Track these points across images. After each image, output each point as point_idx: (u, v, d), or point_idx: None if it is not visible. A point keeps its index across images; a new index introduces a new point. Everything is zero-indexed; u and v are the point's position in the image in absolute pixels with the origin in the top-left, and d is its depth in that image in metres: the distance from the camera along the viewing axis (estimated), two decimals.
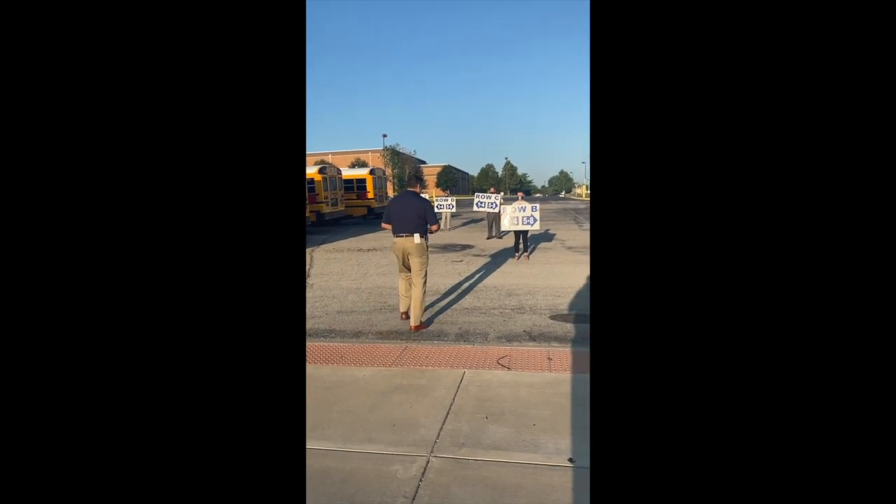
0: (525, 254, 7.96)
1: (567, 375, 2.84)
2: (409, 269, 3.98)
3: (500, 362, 3.09)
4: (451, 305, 4.81)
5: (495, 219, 10.82)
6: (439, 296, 5.28)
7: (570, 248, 9.17)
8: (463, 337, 3.78)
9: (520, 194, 8.66)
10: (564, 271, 6.59)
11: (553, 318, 4.24)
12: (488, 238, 11.11)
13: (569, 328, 3.91)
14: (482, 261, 7.76)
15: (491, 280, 6.10)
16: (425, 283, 3.97)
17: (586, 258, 7.76)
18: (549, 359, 3.13)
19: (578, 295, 5.11)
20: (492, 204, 11.23)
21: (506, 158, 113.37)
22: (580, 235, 11.38)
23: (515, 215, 7.75)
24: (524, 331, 3.88)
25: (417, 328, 3.90)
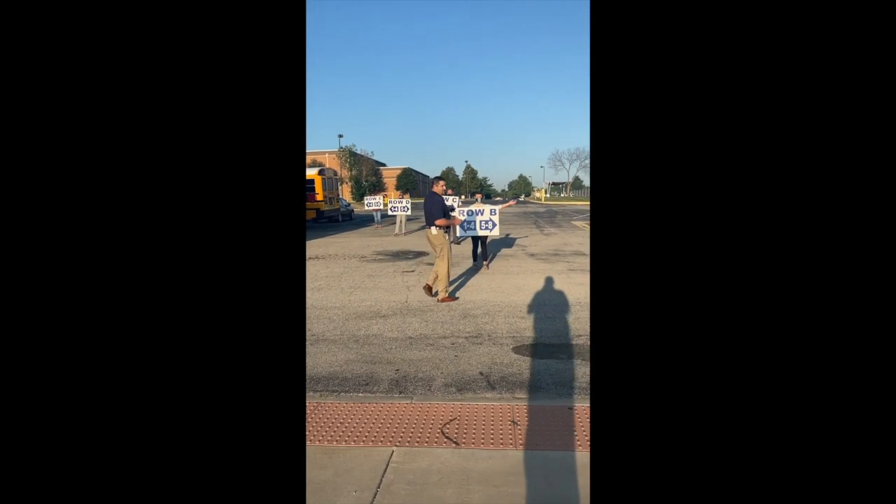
0: (484, 263, 7.13)
1: (539, 455, 1.95)
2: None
3: (446, 431, 2.18)
4: (392, 334, 3.86)
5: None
6: (379, 318, 4.31)
7: (532, 255, 8.45)
8: (399, 385, 2.83)
9: (478, 196, 7.80)
10: (528, 283, 5.79)
11: (517, 350, 3.38)
12: None
13: (538, 367, 3.06)
14: None
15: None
16: (448, 264, 4.94)
17: (550, 267, 7.02)
18: (513, 422, 2.25)
19: (545, 315, 4.29)
20: (449, 207, 10.38)
21: (466, 161, 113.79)
22: (542, 241, 10.72)
23: (472, 220, 6.90)
24: (480, 373, 2.98)
25: (444, 300, 4.80)
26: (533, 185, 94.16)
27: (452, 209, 5.82)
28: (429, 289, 4.95)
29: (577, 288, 5.46)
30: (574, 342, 3.51)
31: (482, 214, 6.88)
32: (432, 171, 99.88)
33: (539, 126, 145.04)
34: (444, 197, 10.52)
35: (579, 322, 4.04)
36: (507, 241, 10.54)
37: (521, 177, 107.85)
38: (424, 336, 3.76)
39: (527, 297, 5.03)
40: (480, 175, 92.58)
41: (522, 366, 3.07)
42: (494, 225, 6.86)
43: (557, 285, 5.65)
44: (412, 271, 6.88)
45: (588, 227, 14.48)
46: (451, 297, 4.95)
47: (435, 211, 4.85)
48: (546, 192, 63.48)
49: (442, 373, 2.99)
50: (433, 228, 4.86)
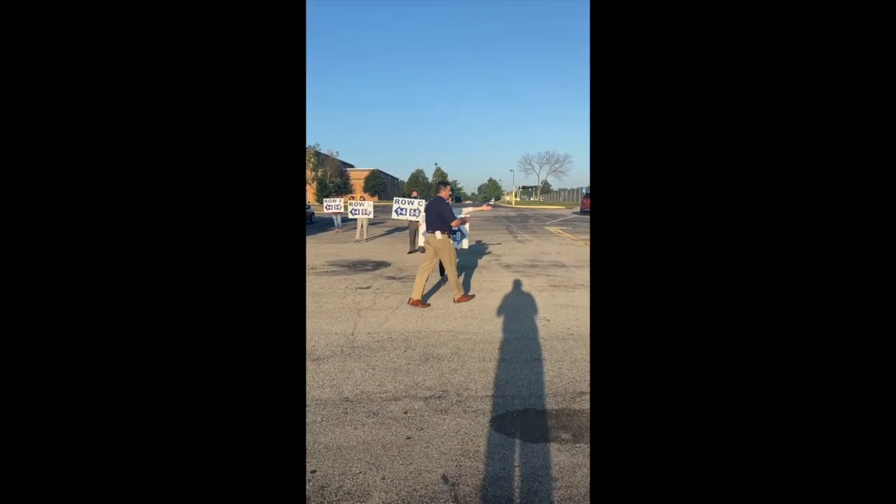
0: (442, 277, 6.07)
1: None
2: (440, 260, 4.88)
3: None
4: (322, 392, 2.73)
5: (418, 229, 8.90)
6: (311, 361, 3.17)
7: (507, 266, 7.47)
8: None
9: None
10: (505, 305, 4.78)
11: (499, 423, 2.33)
12: (410, 252, 9.14)
13: (534, 464, 2.02)
14: (395, 287, 5.75)
15: (401, 324, 4.09)
16: (455, 270, 4.93)
17: (529, 282, 6.05)
18: None
19: (531, 356, 3.27)
20: (414, 211, 9.28)
21: (435, 164, 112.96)
22: (517, 249, 9.79)
23: None
24: (444, 477, 1.91)
25: (460, 300, 4.83)
26: (503, 188, 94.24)
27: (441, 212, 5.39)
28: (461, 299, 4.89)
29: (563, 312, 4.49)
30: (577, 406, 2.49)
31: None
32: (401, 173, 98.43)
33: (509, 129, 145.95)
34: (409, 199, 9.58)
35: (577, 367, 3.04)
36: (478, 250, 9.54)
37: (491, 180, 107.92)
38: (367, 396, 2.66)
39: (505, 326, 4.01)
40: (450, 178, 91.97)
41: (508, 459, 2.02)
42: (464, 236, 5.84)
43: (541, 308, 4.66)
44: (367, 288, 5.75)
45: (563, 232, 13.72)
46: (467, 296, 4.97)
47: (445, 215, 4.83)
48: (516, 196, 63.35)
49: (384, 479, 1.89)
50: (437, 233, 4.82)
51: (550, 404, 2.52)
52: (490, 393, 2.67)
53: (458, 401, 2.58)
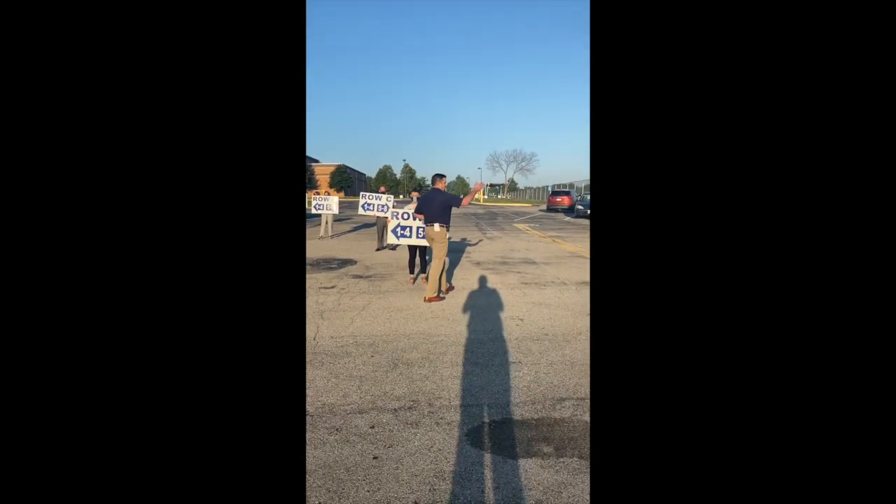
0: (423, 275, 5.86)
1: None
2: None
3: None
4: None
5: (386, 225, 8.61)
6: None
7: (477, 264, 7.32)
8: None
9: (414, 194, 6.40)
10: (476, 304, 4.60)
11: (474, 437, 2.13)
12: (378, 249, 8.85)
13: (516, 484, 1.83)
14: (362, 286, 5.47)
15: (368, 326, 3.84)
16: (445, 265, 4.85)
17: (500, 280, 5.91)
18: None
19: (506, 358, 3.10)
20: (382, 207, 8.98)
21: (404, 160, 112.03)
22: (486, 247, 9.67)
23: (407, 224, 5.60)
24: (414, 503, 1.70)
25: (430, 300, 4.65)
26: (471, 186, 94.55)
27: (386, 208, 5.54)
28: (435, 298, 4.75)
29: (536, 311, 4.36)
30: (557, 414, 2.34)
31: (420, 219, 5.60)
32: (368, 169, 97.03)
33: (478, 127, 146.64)
34: (377, 195, 9.27)
35: (554, 370, 2.90)
36: (449, 247, 9.35)
37: (458, 178, 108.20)
38: (329, 409, 2.40)
39: (478, 327, 3.83)
40: (419, 175, 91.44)
41: (486, 480, 1.83)
42: None
43: (513, 307, 4.52)
44: (331, 287, 5.44)
45: (530, 229, 13.75)
46: (439, 297, 4.81)
47: (441, 208, 4.81)
48: (484, 194, 63.73)
49: None
50: (436, 226, 4.81)
51: (529, 413, 2.36)
52: (464, 402, 2.48)
53: (430, 412, 2.38)
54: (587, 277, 6.03)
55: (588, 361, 3.05)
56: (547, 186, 41.00)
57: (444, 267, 4.89)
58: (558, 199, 24.58)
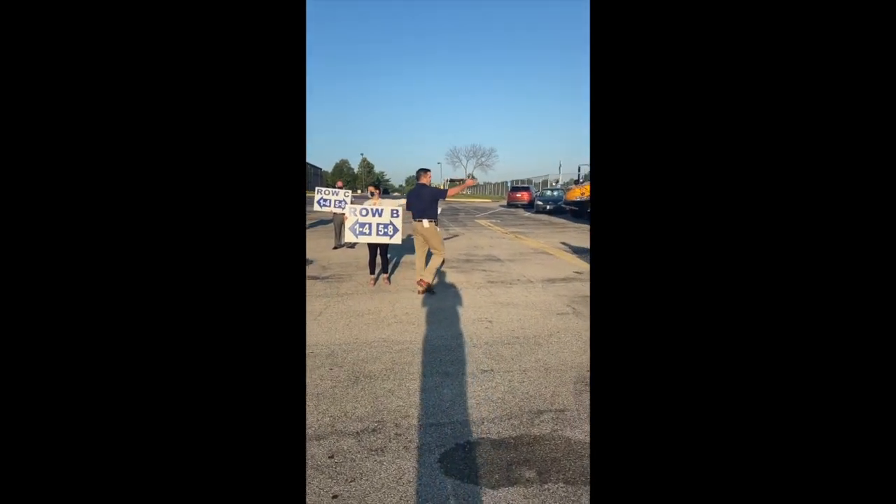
0: (384, 275, 5.57)
1: None
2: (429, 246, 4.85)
3: None
4: None
5: (344, 222, 8.19)
6: None
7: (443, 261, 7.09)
8: None
9: (371, 189, 5.97)
10: (443, 306, 4.38)
11: (447, 463, 1.90)
12: (335, 248, 8.42)
13: None
14: (319, 289, 5.10)
15: (325, 334, 3.52)
16: (440, 261, 4.94)
17: (466, 279, 5.72)
18: None
19: (478, 366, 2.89)
20: (339, 203, 8.54)
21: (361, 154, 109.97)
22: (450, 243, 9.47)
23: (366, 221, 5.28)
24: None
25: (420, 283, 4.84)
26: (431, 181, 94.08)
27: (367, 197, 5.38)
28: (426, 285, 4.82)
29: (505, 312, 4.20)
30: (537, 430, 2.15)
31: (380, 215, 5.29)
32: (325, 163, 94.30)
33: (439, 120, 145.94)
34: (334, 189, 8.79)
35: (528, 378, 2.73)
36: (409, 245, 9.06)
37: (418, 173, 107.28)
38: None
39: (445, 331, 3.61)
40: (377, 169, 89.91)
41: None
42: (396, 230, 5.32)
43: (481, 307, 4.33)
44: None
45: (492, 225, 13.70)
46: (430, 288, 4.86)
47: (441, 194, 4.86)
48: (444, 187, 63.58)
49: None
50: (424, 221, 4.81)
51: (506, 430, 2.16)
52: (435, 420, 2.25)
53: (397, 434, 2.12)
54: (552, 275, 5.96)
55: (562, 367, 2.90)
56: (506, 182, 41.41)
57: (441, 261, 4.95)
58: (518, 195, 24.85)
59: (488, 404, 2.41)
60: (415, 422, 2.23)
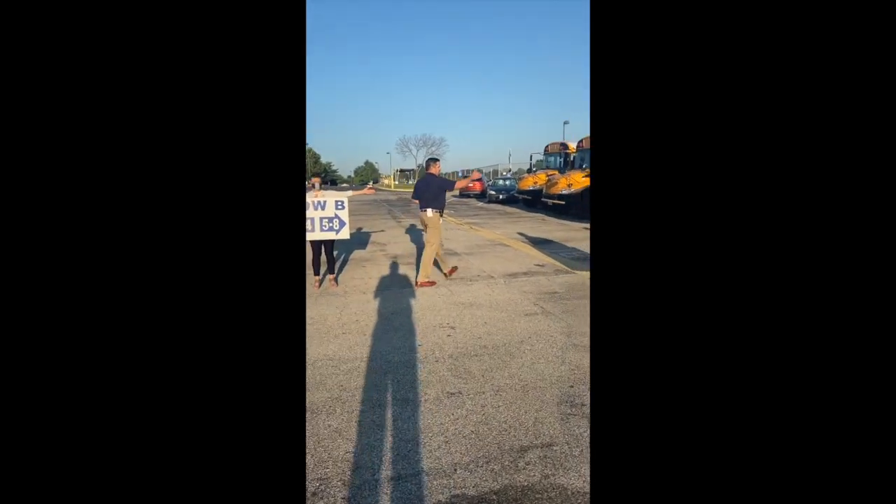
0: (331, 277, 4.96)
1: None
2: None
3: None
4: None
5: None
6: None
7: (394, 257, 6.57)
8: None
9: (315, 180, 5.22)
10: (399, 309, 3.88)
11: None
12: None
13: None
14: None
15: None
16: (439, 246, 4.93)
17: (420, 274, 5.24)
18: None
19: (444, 388, 2.44)
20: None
21: (308, 146, 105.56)
22: (403, 237, 8.94)
23: (308, 216, 4.64)
24: None
25: (422, 285, 4.66)
26: (380, 171, 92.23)
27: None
28: (426, 283, 4.74)
29: (468, 315, 3.77)
30: (524, 478, 1.73)
31: (323, 209, 4.66)
32: None
33: (387, 111, 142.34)
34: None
35: (504, 401, 2.31)
36: (360, 238, 8.43)
37: (367, 163, 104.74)
38: None
39: (402, 342, 3.12)
40: (325, 160, 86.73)
41: None
42: (343, 224, 4.71)
43: (440, 310, 3.88)
44: None
45: (447, 216, 13.26)
46: (429, 282, 4.77)
47: (437, 191, 4.76)
48: (395, 179, 62.49)
49: None
50: (429, 211, 4.75)
51: (486, 480, 1.72)
52: (395, 471, 1.77)
53: (344, 499, 1.62)
54: (514, 269, 5.62)
55: (541, 383, 2.51)
56: (457, 172, 41.14)
57: (437, 252, 4.87)
58: (470, 185, 24.61)
59: (460, 442, 1.96)
60: (368, 475, 1.74)
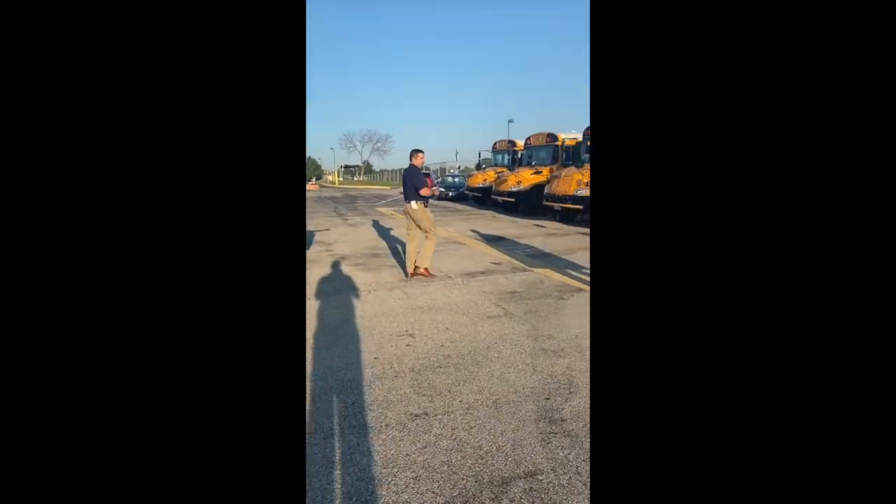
0: None
1: None
2: (420, 230, 4.85)
3: None
4: None
5: None
6: None
7: (343, 258, 6.13)
8: None
9: None
10: (350, 316, 3.51)
11: None
12: None
13: None
14: None
15: None
16: (433, 244, 4.88)
17: (374, 278, 4.89)
18: None
19: (407, 409, 2.13)
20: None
21: None
22: (350, 235, 8.46)
23: None
24: None
25: (421, 273, 4.85)
26: (324, 167, 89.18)
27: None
28: (416, 270, 4.84)
29: (427, 320, 3.48)
30: None
31: None
32: None
33: (329, 105, 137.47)
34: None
35: (476, 421, 2.05)
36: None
37: (310, 158, 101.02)
38: None
39: (355, 356, 2.77)
40: None
41: None
42: None
43: (397, 316, 3.56)
44: None
45: (396, 213, 12.86)
46: (430, 273, 4.88)
47: (417, 184, 4.72)
48: (339, 176, 60.67)
49: None
50: (413, 203, 4.74)
51: None
52: (345, 498, 1.44)
53: None
54: (470, 268, 5.40)
55: (514, 397, 2.28)
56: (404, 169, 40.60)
57: (433, 243, 4.86)
58: (434, 190, 24.21)
59: (431, 477, 1.67)
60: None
